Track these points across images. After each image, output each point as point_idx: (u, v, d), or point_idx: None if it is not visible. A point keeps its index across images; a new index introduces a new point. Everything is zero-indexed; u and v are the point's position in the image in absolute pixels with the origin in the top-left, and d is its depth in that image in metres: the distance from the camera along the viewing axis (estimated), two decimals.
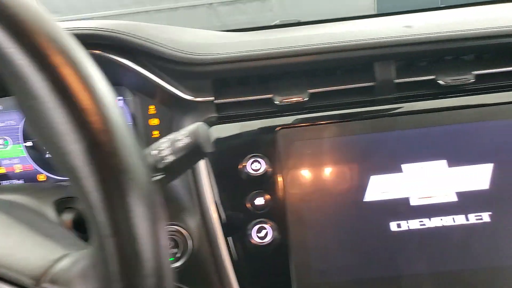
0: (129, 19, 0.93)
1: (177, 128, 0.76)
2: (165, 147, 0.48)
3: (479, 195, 0.63)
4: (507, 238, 0.60)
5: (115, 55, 0.72)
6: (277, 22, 1.04)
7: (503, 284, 0.58)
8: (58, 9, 3.06)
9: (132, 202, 0.36)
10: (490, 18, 0.76)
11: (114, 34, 0.71)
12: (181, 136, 0.47)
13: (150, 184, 0.41)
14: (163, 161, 0.48)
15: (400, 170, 0.65)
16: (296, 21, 1.03)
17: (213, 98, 0.74)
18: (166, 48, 0.71)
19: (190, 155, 0.48)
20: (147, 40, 0.71)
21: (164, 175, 0.49)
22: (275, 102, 0.74)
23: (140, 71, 0.73)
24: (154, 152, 0.49)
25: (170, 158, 0.48)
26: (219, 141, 0.70)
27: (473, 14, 0.83)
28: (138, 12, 3.49)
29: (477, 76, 0.73)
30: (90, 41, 0.71)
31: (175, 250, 0.65)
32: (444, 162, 0.65)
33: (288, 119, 0.71)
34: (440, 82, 0.73)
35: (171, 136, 0.49)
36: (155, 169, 0.48)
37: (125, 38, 0.71)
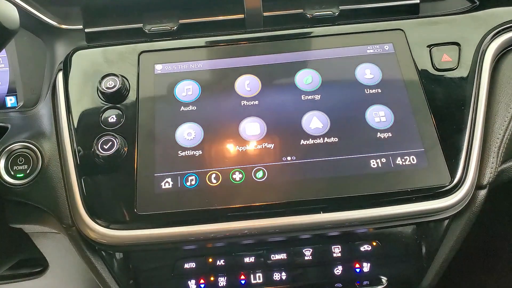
0: None
1: (50, 58, 0.76)
2: None
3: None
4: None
5: None
6: None
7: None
8: None
9: None
10: None
11: None
12: None
13: None
14: None
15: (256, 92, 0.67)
16: None
17: (81, 26, 0.74)
18: None
19: None
20: None
21: None
22: (145, 31, 0.74)
23: None
24: None
25: None
26: (82, 64, 0.70)
27: None
28: None
29: (342, 10, 0.76)
30: None
31: (25, 167, 0.64)
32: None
33: (153, 45, 0.71)
34: (307, 14, 0.75)
35: None
36: None
37: None
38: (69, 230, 0.62)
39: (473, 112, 0.65)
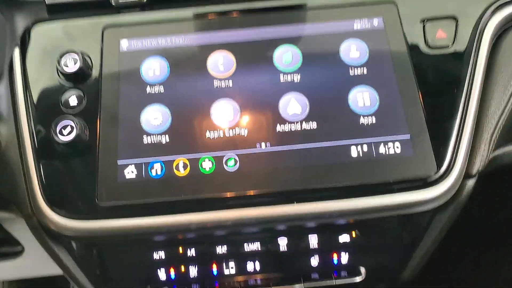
0: None
1: (10, 31, 0.70)
2: None
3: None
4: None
5: None
6: None
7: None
8: None
9: None
10: None
11: None
12: None
13: None
14: None
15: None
16: None
17: None
18: None
19: None
20: None
21: None
22: (112, 3, 0.68)
23: None
24: None
25: None
26: (42, 39, 0.64)
27: None
28: None
29: None
30: None
31: None
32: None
33: (118, 19, 0.65)
34: None
35: None
36: None
37: None
38: (29, 220, 0.59)
39: (466, 95, 0.60)
